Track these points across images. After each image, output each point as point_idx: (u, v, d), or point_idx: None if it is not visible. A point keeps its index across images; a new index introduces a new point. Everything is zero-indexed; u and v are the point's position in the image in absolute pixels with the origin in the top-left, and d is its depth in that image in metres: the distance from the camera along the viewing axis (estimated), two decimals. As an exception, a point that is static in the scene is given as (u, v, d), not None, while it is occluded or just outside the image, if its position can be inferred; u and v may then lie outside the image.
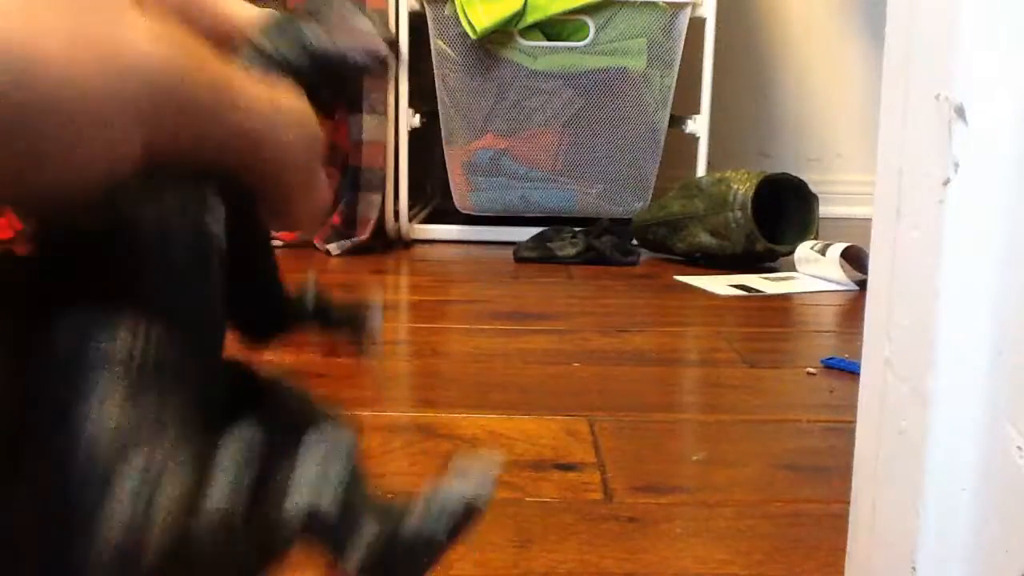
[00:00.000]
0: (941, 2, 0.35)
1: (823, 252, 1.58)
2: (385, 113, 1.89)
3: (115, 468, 0.22)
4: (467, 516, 0.27)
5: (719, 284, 1.55)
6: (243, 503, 0.24)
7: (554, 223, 1.94)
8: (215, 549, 0.23)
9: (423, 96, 2.08)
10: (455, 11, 1.86)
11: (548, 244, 1.77)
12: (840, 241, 1.60)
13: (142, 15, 0.22)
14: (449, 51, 1.90)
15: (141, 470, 0.22)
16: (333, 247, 1.81)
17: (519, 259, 1.76)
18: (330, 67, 0.32)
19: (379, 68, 0.33)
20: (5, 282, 0.28)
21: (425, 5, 1.88)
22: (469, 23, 1.84)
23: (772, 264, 1.75)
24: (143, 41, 0.22)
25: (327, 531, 0.26)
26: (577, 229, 1.83)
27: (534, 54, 1.90)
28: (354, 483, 0.27)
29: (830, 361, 1.06)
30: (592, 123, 1.93)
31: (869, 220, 0.42)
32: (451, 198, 1.99)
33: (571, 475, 0.73)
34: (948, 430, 0.36)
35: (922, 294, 0.37)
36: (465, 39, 1.88)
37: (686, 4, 1.88)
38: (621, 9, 1.88)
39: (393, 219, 1.95)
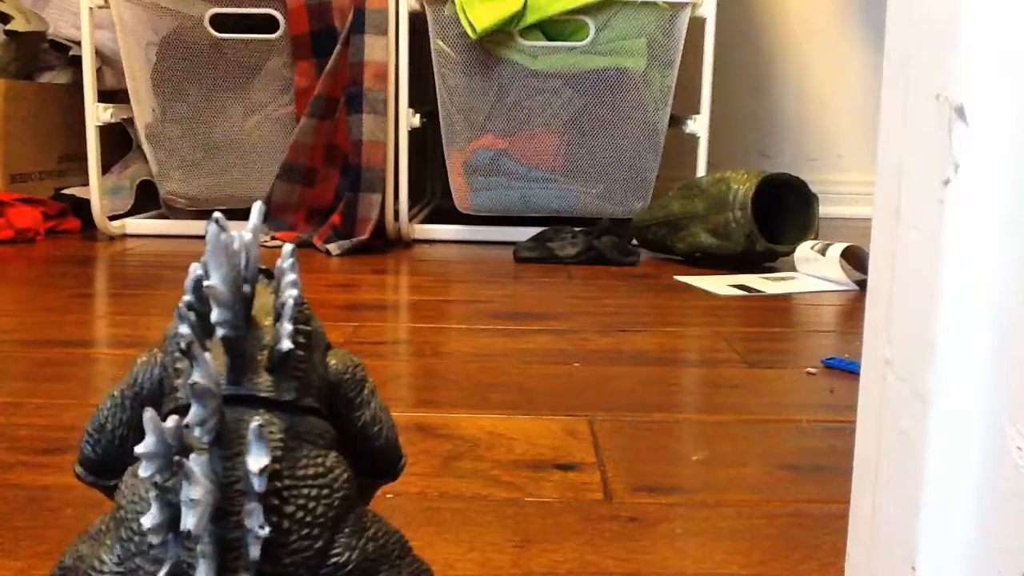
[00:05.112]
0: (941, 2, 0.35)
1: (823, 252, 1.58)
2: (385, 113, 1.89)
3: None
4: None
5: (719, 284, 1.55)
6: None
7: (554, 223, 1.94)
8: None
9: (423, 96, 2.08)
10: (455, 11, 1.86)
11: (548, 244, 1.77)
12: (840, 241, 1.60)
13: None
14: (449, 51, 1.90)
15: None
16: (333, 247, 1.81)
17: (519, 259, 1.76)
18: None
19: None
20: None
21: (425, 5, 1.88)
22: (469, 23, 1.84)
23: (772, 264, 1.75)
24: None
25: None
26: (577, 229, 1.83)
27: (534, 54, 1.90)
28: None
29: (830, 361, 1.06)
30: (592, 123, 1.93)
31: (869, 220, 0.42)
32: (451, 198, 1.99)
33: (571, 475, 0.73)
34: (948, 430, 0.36)
35: (922, 294, 0.37)
36: (465, 39, 1.88)
37: (686, 4, 1.88)
38: (621, 9, 1.88)
39: (393, 219, 1.95)
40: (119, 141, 2.17)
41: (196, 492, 0.33)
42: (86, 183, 2.00)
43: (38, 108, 2.14)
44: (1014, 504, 0.34)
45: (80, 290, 1.44)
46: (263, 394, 0.37)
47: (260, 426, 0.34)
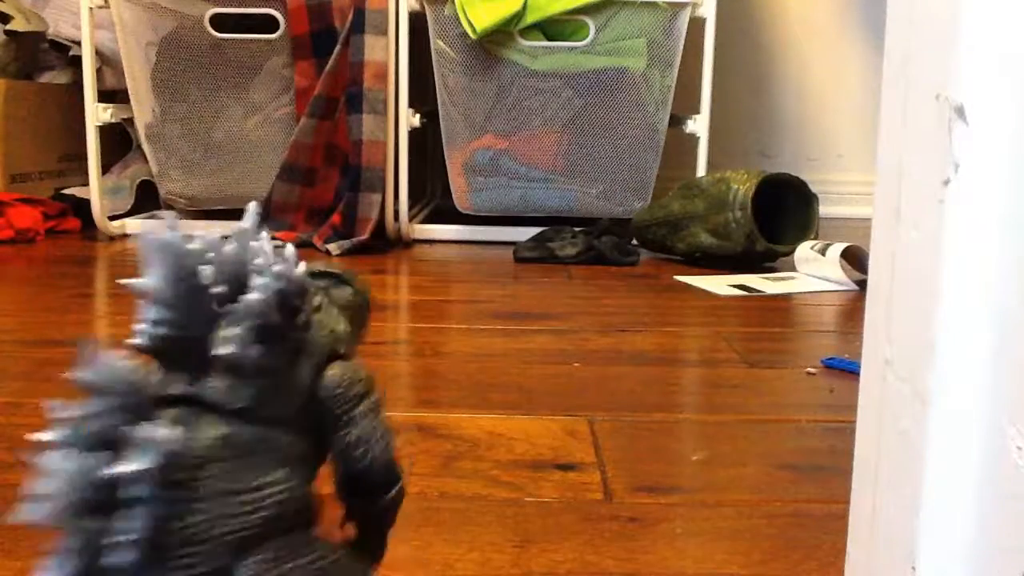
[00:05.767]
0: (941, 2, 0.35)
1: (823, 252, 1.58)
2: (385, 113, 1.89)
3: None
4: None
5: (719, 284, 1.55)
6: None
7: (554, 223, 1.94)
8: None
9: (423, 96, 2.08)
10: (455, 11, 1.86)
11: (548, 244, 1.77)
12: (840, 241, 1.60)
13: None
14: (449, 51, 1.90)
15: None
16: (333, 247, 1.81)
17: (519, 259, 1.76)
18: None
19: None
20: None
21: (425, 5, 1.88)
22: (469, 23, 1.84)
23: (772, 264, 1.75)
24: None
25: None
26: (577, 229, 1.83)
27: (534, 54, 1.90)
28: None
29: (830, 361, 1.06)
30: (592, 123, 1.93)
31: (869, 220, 0.42)
32: (451, 198, 1.99)
33: (571, 475, 0.73)
34: (948, 430, 0.36)
35: (922, 294, 0.37)
36: (465, 39, 1.88)
37: (686, 4, 1.88)
38: (621, 9, 1.88)
39: (393, 219, 1.95)
40: (119, 141, 2.17)
41: (47, 486, 0.32)
42: (86, 183, 2.00)
43: (38, 108, 2.14)
44: (1014, 504, 0.34)
45: (80, 290, 1.44)
46: (210, 399, 0.36)
47: (145, 433, 0.33)
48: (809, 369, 1.04)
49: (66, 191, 2.13)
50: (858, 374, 0.45)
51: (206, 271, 0.37)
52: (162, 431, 0.33)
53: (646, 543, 0.62)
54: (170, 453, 0.34)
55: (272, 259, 0.39)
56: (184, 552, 0.34)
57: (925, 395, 0.36)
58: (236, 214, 1.94)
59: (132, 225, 2.03)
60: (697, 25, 1.93)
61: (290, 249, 0.40)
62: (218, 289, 0.37)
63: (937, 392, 0.36)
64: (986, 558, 0.36)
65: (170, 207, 2.04)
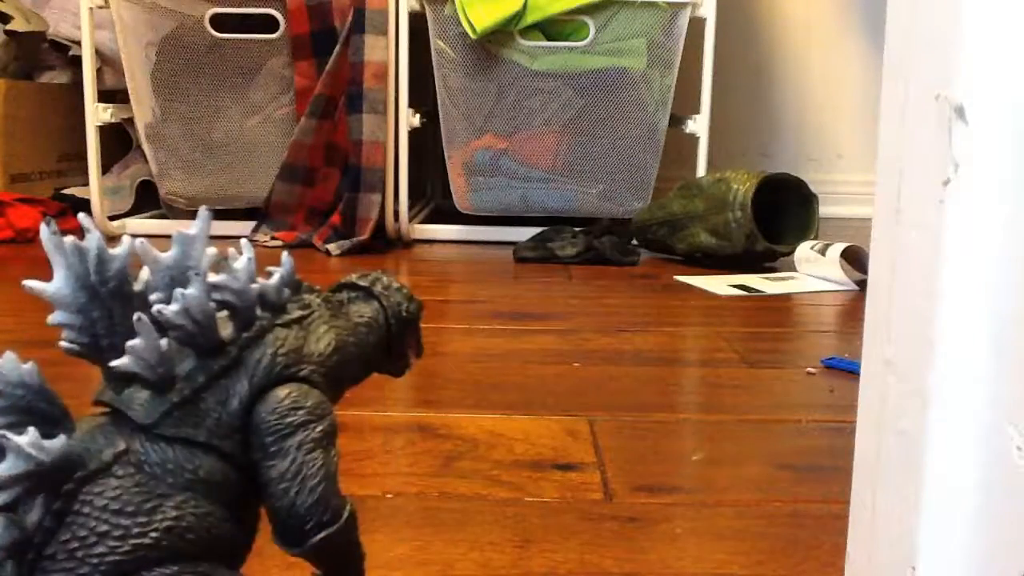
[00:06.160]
0: (941, 2, 0.35)
1: (823, 252, 1.58)
2: (385, 113, 1.89)
3: None
4: None
5: (719, 284, 1.55)
6: None
7: (554, 223, 1.94)
8: None
9: (423, 96, 2.08)
10: (455, 11, 1.86)
11: (548, 244, 1.77)
12: (840, 241, 1.60)
13: None
14: (449, 51, 1.90)
15: None
16: (333, 247, 1.81)
17: (519, 259, 1.76)
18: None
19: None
20: None
21: (425, 5, 1.88)
22: (469, 23, 1.84)
23: (772, 264, 1.75)
24: None
25: None
26: (577, 229, 1.83)
27: (534, 54, 1.90)
28: None
29: (830, 361, 1.06)
30: (592, 123, 1.93)
31: (869, 220, 0.42)
32: (451, 198, 1.99)
33: (571, 475, 0.73)
34: (948, 430, 0.36)
35: (922, 294, 0.37)
36: (465, 39, 1.88)
37: (686, 4, 1.88)
38: (621, 9, 1.88)
39: (393, 219, 1.95)
40: (119, 141, 2.17)
41: None
42: (86, 183, 2.00)
43: (38, 108, 2.14)
44: (1014, 504, 0.34)
45: (80, 290, 1.43)
46: (125, 411, 0.34)
47: (16, 440, 0.31)
48: (809, 369, 1.04)
49: (66, 191, 2.13)
50: (858, 374, 0.45)
51: (125, 277, 0.35)
52: (25, 439, 0.31)
53: (646, 543, 0.62)
54: (50, 462, 0.31)
55: (204, 268, 0.36)
56: (57, 567, 0.32)
57: (925, 395, 0.36)
58: (237, 214, 1.94)
59: (132, 225, 2.03)
60: (697, 25, 1.92)
61: (285, 256, 0.39)
62: (155, 296, 0.36)
63: (937, 392, 0.36)
64: (986, 558, 0.36)
65: (170, 207, 2.04)
